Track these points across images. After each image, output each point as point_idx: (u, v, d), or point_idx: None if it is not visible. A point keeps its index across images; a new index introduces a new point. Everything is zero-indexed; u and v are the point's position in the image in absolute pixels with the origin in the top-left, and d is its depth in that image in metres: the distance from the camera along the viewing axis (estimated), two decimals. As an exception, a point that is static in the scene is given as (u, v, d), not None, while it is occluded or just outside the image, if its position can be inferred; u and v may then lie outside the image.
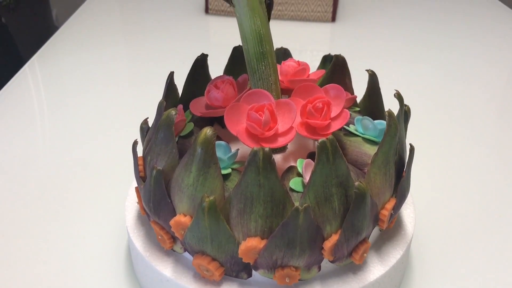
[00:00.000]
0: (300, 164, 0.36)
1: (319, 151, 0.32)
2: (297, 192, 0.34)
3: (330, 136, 0.32)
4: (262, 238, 0.33)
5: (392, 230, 0.41)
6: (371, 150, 0.38)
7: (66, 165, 0.56)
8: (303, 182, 0.35)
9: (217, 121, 0.44)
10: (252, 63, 0.37)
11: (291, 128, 0.37)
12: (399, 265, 0.39)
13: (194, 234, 0.34)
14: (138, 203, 0.40)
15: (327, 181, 0.32)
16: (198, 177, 0.33)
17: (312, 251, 0.33)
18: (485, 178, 0.54)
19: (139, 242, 0.39)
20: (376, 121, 0.40)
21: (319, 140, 0.32)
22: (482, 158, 0.58)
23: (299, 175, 0.36)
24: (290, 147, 0.41)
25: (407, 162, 0.37)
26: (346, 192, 0.33)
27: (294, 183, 0.35)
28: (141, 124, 0.41)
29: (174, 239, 0.37)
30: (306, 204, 0.31)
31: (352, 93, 0.45)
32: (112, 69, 0.78)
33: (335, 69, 0.44)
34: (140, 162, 0.40)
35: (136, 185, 0.44)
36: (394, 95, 0.37)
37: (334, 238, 0.33)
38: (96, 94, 0.71)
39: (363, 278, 0.36)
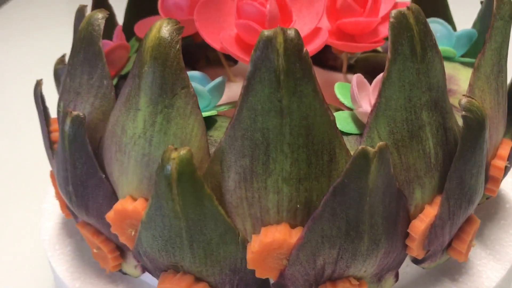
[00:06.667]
0: (342, 88, 0.20)
1: (394, 33, 0.16)
2: (348, 134, 0.18)
3: (413, 5, 0.16)
4: (293, 226, 0.16)
5: (486, 203, 0.25)
6: (452, 70, 0.22)
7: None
8: (354, 116, 0.19)
9: (187, 61, 0.28)
10: None
11: (318, 29, 0.21)
12: (518, 260, 0.23)
13: (156, 232, 0.17)
14: (56, 196, 0.23)
15: (413, 96, 0.16)
16: (154, 116, 0.17)
17: (391, 242, 0.17)
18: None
19: (62, 266, 0.22)
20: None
21: (392, 13, 0.16)
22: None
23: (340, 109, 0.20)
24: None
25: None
26: (444, 121, 0.17)
27: (339, 118, 0.18)
28: (55, 65, 0.24)
29: (121, 251, 0.20)
30: (382, 143, 0.15)
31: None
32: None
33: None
34: (55, 126, 0.23)
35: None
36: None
37: (430, 212, 0.17)
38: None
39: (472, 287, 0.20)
